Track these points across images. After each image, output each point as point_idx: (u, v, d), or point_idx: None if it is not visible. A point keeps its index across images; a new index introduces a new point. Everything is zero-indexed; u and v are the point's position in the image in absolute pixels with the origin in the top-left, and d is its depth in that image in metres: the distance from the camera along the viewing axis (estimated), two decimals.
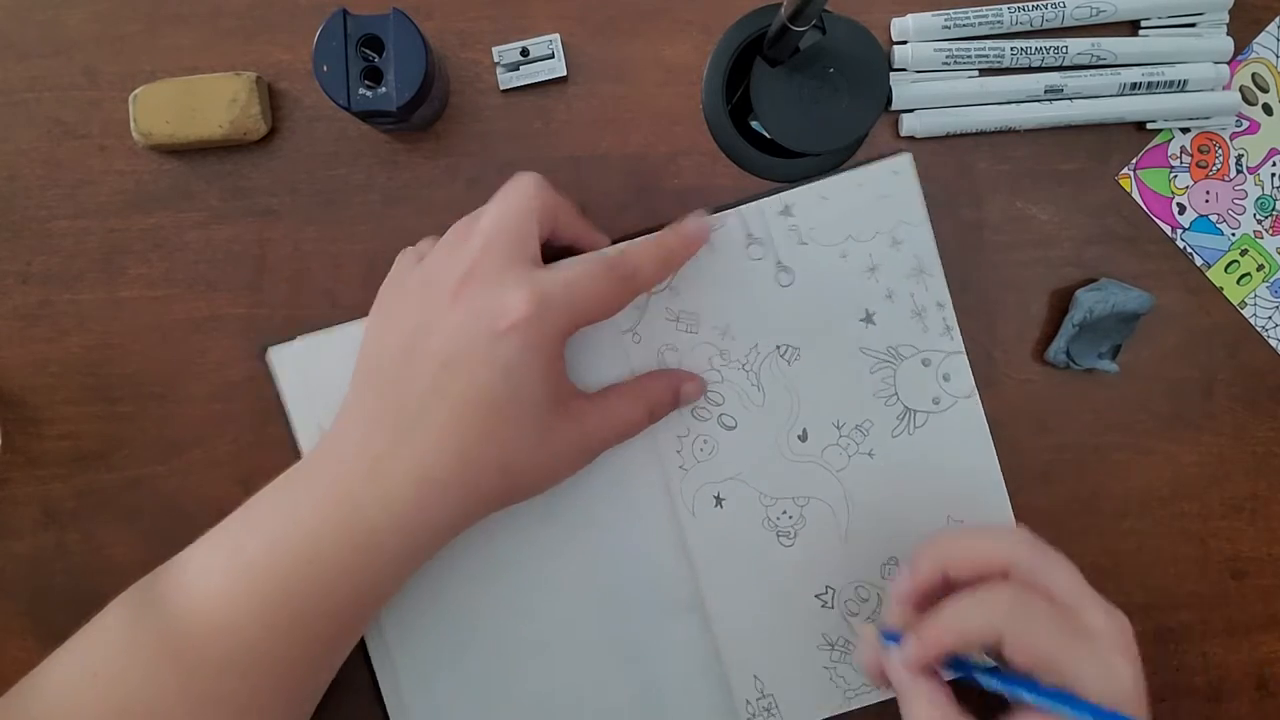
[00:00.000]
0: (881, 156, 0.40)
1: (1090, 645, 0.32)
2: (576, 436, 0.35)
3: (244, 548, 0.33)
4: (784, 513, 0.41)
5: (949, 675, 0.34)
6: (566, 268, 0.34)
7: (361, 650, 0.40)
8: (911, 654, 0.33)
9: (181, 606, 0.32)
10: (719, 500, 0.40)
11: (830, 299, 0.40)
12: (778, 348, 0.40)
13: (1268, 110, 0.43)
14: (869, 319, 0.40)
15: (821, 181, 0.40)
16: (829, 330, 0.40)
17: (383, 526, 0.32)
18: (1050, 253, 0.42)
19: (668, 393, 0.38)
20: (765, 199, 0.39)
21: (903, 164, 0.40)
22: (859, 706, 0.41)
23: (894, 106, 0.41)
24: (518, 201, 0.34)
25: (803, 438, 0.41)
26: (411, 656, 0.40)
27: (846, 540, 0.41)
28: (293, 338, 0.39)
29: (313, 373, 0.39)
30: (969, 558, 0.34)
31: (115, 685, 0.32)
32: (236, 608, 0.32)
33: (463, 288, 0.33)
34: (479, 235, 0.34)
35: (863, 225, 0.40)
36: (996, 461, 0.41)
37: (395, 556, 0.33)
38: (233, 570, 0.33)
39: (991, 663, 0.34)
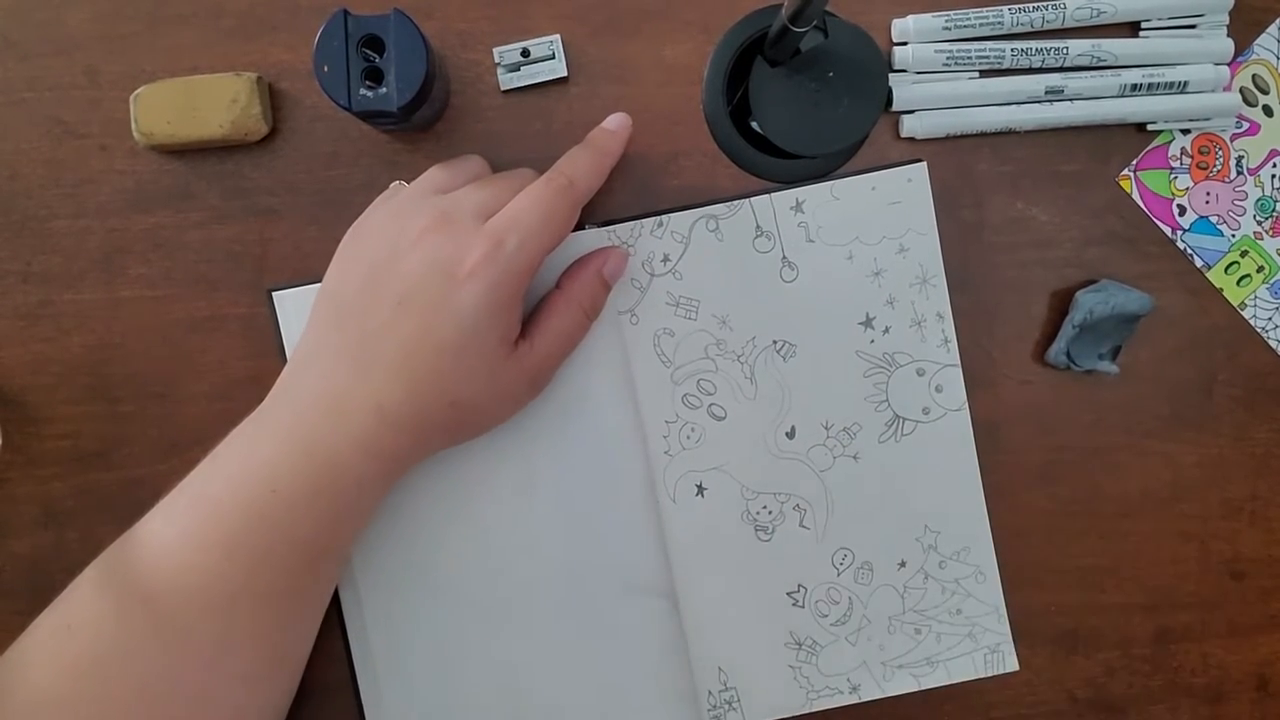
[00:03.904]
0: (899, 163, 0.40)
1: None
2: (524, 372, 0.36)
3: (206, 489, 0.34)
4: (764, 508, 0.41)
5: None
6: (511, 204, 0.35)
7: (336, 612, 0.40)
8: None
9: (149, 552, 0.33)
10: (700, 489, 0.40)
11: (832, 299, 0.40)
12: (774, 343, 0.40)
13: (1268, 112, 0.43)
14: (868, 323, 0.40)
15: (834, 181, 0.40)
16: (827, 330, 0.40)
17: (342, 452, 0.33)
18: (1050, 254, 0.42)
19: (597, 286, 0.38)
20: (777, 192, 0.40)
21: (917, 173, 0.40)
22: (821, 709, 0.41)
23: (895, 107, 0.41)
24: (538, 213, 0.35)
25: (790, 435, 0.41)
26: (382, 612, 0.40)
27: (823, 541, 0.41)
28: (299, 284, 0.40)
29: None
30: None
31: (89, 634, 0.32)
32: (202, 543, 0.32)
33: (429, 231, 0.34)
34: (466, 198, 0.35)
35: (871, 229, 0.40)
36: (979, 477, 0.41)
37: (357, 482, 0.34)
38: (196, 511, 0.33)
39: None
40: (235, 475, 0.33)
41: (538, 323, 0.37)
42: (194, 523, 0.33)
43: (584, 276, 0.38)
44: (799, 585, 0.41)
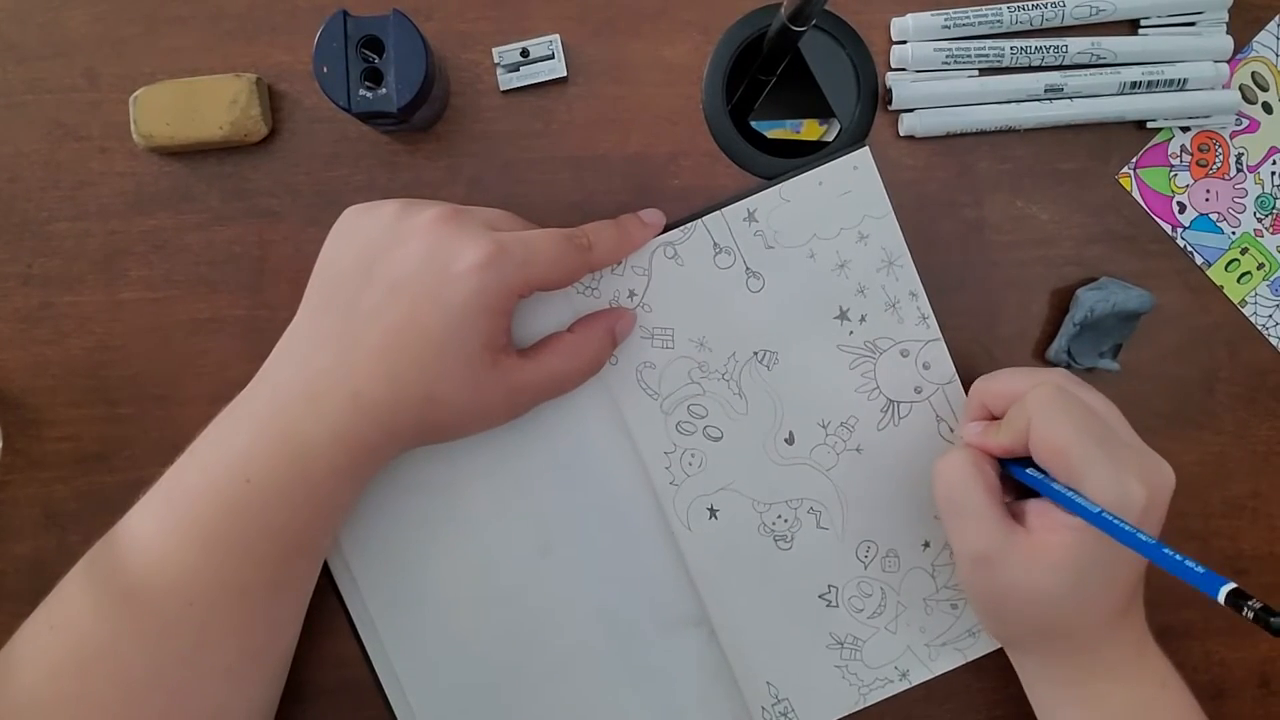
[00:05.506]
0: (839, 152, 0.40)
1: (1111, 457, 0.32)
2: (505, 391, 0.35)
3: (182, 480, 0.33)
4: (779, 517, 0.41)
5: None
6: (527, 233, 0.35)
7: (380, 694, 0.40)
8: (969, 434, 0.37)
9: (129, 547, 0.33)
10: (713, 512, 0.40)
11: (803, 300, 0.40)
12: (755, 354, 0.40)
13: (1267, 109, 0.43)
14: (843, 315, 0.40)
15: (782, 184, 0.39)
16: (804, 331, 0.40)
17: (316, 441, 0.32)
18: (1051, 252, 0.42)
19: (605, 341, 0.38)
20: (727, 207, 0.39)
21: (862, 158, 0.39)
22: (875, 702, 0.41)
23: (894, 106, 0.41)
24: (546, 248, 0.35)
25: (790, 441, 0.41)
26: (426, 699, 0.40)
27: (844, 538, 0.41)
28: None
29: None
30: (1002, 393, 0.37)
31: (71, 631, 0.32)
32: (178, 535, 0.32)
33: (434, 223, 0.33)
34: (483, 210, 0.36)
35: (827, 223, 0.40)
36: None
37: (331, 471, 0.33)
38: (173, 504, 0.33)
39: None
40: (210, 466, 0.33)
41: (537, 355, 0.37)
42: (171, 516, 0.33)
43: (597, 332, 0.38)
44: (829, 586, 0.41)
